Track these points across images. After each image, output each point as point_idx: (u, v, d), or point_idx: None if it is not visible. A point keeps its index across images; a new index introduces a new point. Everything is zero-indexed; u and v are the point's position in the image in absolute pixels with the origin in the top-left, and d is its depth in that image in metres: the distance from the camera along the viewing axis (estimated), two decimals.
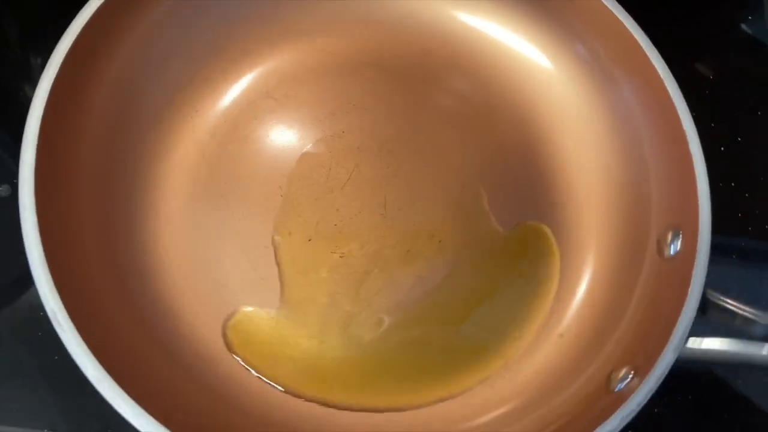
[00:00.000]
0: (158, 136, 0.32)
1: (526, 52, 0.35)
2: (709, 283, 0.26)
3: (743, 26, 0.40)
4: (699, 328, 0.26)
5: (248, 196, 0.33)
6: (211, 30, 0.33)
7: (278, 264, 0.32)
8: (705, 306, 0.27)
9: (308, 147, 0.34)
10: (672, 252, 0.28)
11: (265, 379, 0.29)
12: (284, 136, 0.34)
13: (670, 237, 0.29)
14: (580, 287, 0.32)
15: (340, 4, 0.35)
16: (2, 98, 0.37)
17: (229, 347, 0.30)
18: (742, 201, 0.32)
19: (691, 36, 0.40)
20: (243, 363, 0.29)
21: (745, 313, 0.27)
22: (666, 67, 0.29)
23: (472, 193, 0.33)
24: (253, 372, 0.29)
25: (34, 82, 0.27)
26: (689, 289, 0.26)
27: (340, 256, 0.32)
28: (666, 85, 0.29)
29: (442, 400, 0.29)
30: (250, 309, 0.31)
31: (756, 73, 0.39)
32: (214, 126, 0.34)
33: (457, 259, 0.32)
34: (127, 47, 0.30)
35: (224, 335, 0.30)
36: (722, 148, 0.33)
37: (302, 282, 0.31)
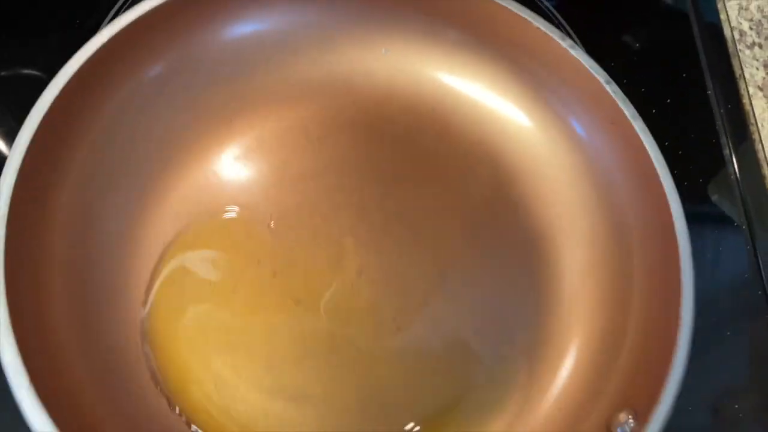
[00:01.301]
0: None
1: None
2: None
3: None
4: None
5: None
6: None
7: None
8: None
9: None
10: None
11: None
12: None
13: (623, 418, 0.27)
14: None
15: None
16: None
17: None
18: (676, 158, 0.34)
19: (615, 10, 0.44)
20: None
21: None
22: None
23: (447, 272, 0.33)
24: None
25: None
26: None
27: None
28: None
29: None
30: None
31: (677, 39, 0.42)
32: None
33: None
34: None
35: None
36: (653, 111, 0.36)
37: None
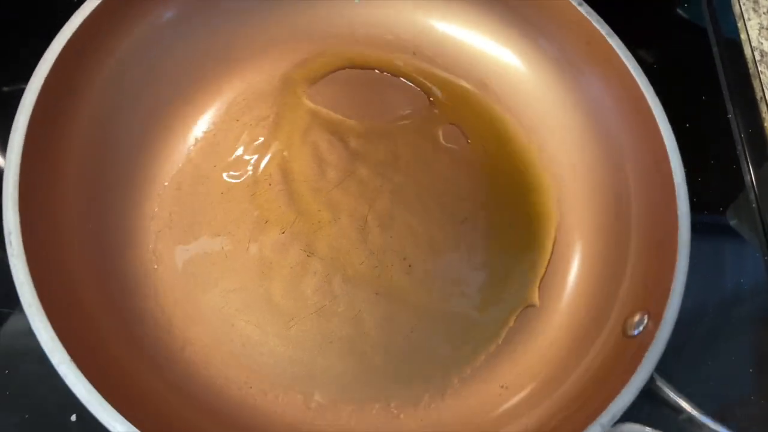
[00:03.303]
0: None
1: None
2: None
3: (679, 11, 0.43)
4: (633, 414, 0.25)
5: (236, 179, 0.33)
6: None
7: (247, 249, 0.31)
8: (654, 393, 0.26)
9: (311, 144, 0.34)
10: (635, 333, 0.28)
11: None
12: (289, 130, 0.34)
13: (637, 319, 0.28)
14: (539, 342, 0.31)
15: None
16: None
17: None
18: (696, 184, 0.33)
19: (630, 23, 0.41)
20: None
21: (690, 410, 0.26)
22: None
23: (454, 231, 0.33)
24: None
25: None
26: (635, 371, 0.25)
27: (308, 255, 0.32)
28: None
29: None
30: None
31: (696, 57, 0.40)
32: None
33: (420, 288, 0.32)
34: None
35: None
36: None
37: (263, 271, 0.31)
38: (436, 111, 0.35)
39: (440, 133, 0.35)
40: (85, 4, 0.28)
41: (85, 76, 0.29)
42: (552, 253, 0.33)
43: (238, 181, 0.33)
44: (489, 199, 0.34)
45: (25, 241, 0.24)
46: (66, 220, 0.28)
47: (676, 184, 0.28)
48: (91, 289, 0.27)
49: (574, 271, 0.33)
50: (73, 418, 0.28)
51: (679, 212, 0.28)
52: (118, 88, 0.30)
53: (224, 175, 0.33)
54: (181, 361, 0.29)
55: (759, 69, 0.40)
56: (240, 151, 0.33)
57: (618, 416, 0.25)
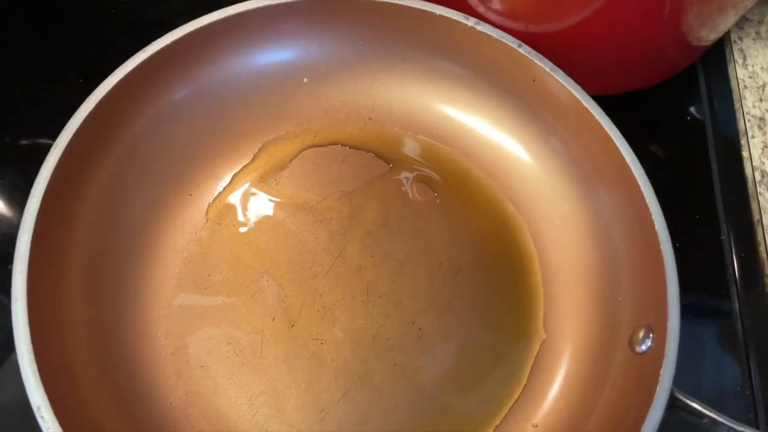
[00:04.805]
0: (153, 224, 0.33)
1: (506, 145, 0.37)
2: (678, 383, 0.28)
3: (691, 110, 0.44)
4: (667, 428, 0.27)
5: (235, 279, 0.33)
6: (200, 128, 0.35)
7: (261, 350, 0.32)
8: (673, 405, 0.28)
9: (294, 232, 0.35)
10: (644, 348, 0.30)
11: None
12: (273, 222, 0.35)
13: (642, 334, 0.30)
14: (556, 378, 0.33)
15: (315, 100, 0.37)
16: None
17: None
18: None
19: (643, 120, 0.43)
20: None
21: (713, 416, 0.28)
22: (640, 167, 0.31)
23: (452, 283, 0.35)
24: None
25: None
26: (657, 387, 0.27)
27: (321, 343, 0.33)
28: (640, 186, 0.31)
29: None
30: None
31: (692, 168, 0.41)
32: (206, 209, 0.35)
33: (435, 348, 0.33)
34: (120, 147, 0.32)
35: None
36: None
37: (284, 368, 0.32)
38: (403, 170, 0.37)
39: (414, 189, 0.37)
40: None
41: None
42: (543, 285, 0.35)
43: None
44: (473, 242, 0.36)
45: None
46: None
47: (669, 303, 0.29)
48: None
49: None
50: None
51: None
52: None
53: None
54: None
55: (759, 190, 0.40)
56: (233, 252, 0.34)
57: None
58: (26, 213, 0.28)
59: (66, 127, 0.29)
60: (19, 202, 0.36)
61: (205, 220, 0.34)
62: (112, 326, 0.30)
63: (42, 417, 0.25)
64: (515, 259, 0.36)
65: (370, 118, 0.38)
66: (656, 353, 0.29)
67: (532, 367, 0.33)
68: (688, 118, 0.42)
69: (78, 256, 0.30)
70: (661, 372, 0.28)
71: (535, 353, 0.33)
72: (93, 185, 0.31)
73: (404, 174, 0.37)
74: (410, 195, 0.36)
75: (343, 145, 0.37)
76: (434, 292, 0.34)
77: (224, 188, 0.35)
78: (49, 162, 0.29)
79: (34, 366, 0.25)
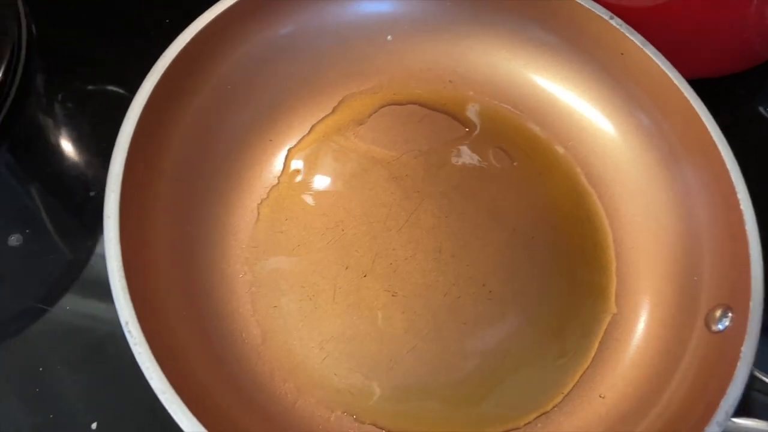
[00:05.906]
0: (234, 165, 0.34)
1: (589, 116, 0.36)
2: (758, 363, 0.27)
3: (761, 109, 0.43)
4: (744, 408, 0.27)
5: (310, 225, 0.34)
6: (297, 67, 0.35)
7: (334, 297, 0.32)
8: (752, 385, 0.27)
9: (370, 186, 0.35)
10: (721, 327, 0.30)
11: None
12: (349, 175, 0.35)
13: (719, 313, 0.30)
14: (627, 352, 0.33)
15: (397, 58, 0.37)
16: (29, 148, 0.37)
17: None
18: None
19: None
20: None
21: None
22: (728, 146, 0.31)
23: (524, 250, 0.34)
24: None
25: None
26: (737, 366, 0.27)
27: (392, 295, 0.33)
28: (727, 165, 0.30)
29: None
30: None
31: None
32: (285, 156, 0.35)
33: (504, 311, 0.33)
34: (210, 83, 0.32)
35: None
36: None
37: (355, 316, 0.32)
38: (480, 135, 0.37)
39: (490, 155, 0.36)
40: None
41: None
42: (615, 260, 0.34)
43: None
44: (547, 212, 0.35)
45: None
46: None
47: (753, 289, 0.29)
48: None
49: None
50: (94, 426, 0.30)
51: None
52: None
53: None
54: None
55: None
56: (310, 200, 0.34)
57: (731, 412, 0.26)
58: (120, 135, 0.28)
59: (163, 55, 0.30)
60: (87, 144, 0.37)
61: (283, 167, 0.34)
62: (193, 257, 0.31)
63: (129, 332, 0.25)
64: (588, 234, 0.35)
65: (451, 81, 0.37)
66: (735, 332, 0.29)
67: (601, 340, 0.33)
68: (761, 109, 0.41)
69: (164, 185, 0.30)
70: (742, 350, 0.28)
71: (604, 326, 0.33)
72: (185, 114, 0.31)
73: (481, 139, 0.36)
74: (485, 160, 0.36)
75: (422, 105, 0.37)
76: (506, 257, 0.34)
77: (303, 137, 0.35)
78: (145, 88, 0.29)
79: (124, 282, 0.25)
